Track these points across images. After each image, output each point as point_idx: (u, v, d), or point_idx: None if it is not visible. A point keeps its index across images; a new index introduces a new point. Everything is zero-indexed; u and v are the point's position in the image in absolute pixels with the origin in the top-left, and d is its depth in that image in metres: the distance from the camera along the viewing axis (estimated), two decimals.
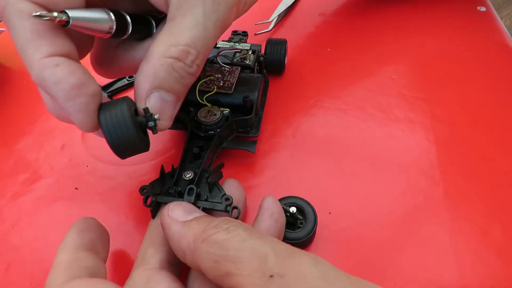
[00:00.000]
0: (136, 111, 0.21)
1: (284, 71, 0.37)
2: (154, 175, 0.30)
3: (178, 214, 0.20)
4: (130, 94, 0.37)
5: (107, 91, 0.36)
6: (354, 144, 0.31)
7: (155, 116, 0.20)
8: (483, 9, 0.43)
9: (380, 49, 0.39)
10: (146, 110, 0.20)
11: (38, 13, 0.16)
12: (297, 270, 0.16)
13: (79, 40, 0.21)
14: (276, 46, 0.35)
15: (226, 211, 0.24)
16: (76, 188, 0.30)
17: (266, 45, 0.36)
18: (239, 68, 0.33)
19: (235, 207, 0.24)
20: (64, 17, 0.17)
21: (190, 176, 0.25)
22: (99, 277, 0.19)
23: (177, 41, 0.19)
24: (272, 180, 0.29)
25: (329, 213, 0.27)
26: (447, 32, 0.41)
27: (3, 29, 0.39)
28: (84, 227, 0.21)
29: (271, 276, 0.15)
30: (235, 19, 0.23)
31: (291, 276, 0.16)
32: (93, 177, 0.30)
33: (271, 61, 0.36)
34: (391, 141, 0.31)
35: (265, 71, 0.36)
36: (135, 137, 0.19)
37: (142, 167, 0.31)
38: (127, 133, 0.19)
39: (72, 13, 0.18)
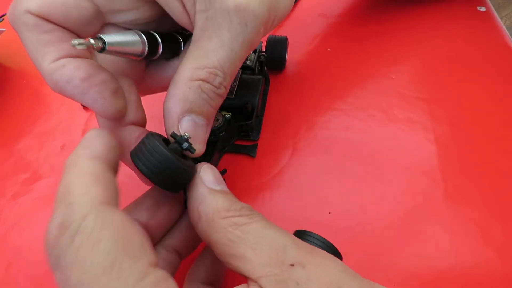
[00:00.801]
0: (165, 141, 0.20)
1: (284, 68, 0.37)
2: None
3: (208, 177, 0.19)
4: None
5: None
6: (354, 144, 0.31)
7: (186, 136, 0.19)
8: (483, 9, 0.43)
9: (380, 49, 0.39)
10: (174, 135, 0.19)
11: (77, 42, 0.16)
12: (319, 261, 0.16)
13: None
14: (277, 43, 0.35)
15: None
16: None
17: (267, 42, 0.36)
18: (240, 71, 0.33)
19: None
20: (100, 44, 0.17)
21: None
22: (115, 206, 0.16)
23: (204, 64, 0.19)
24: (272, 181, 0.29)
25: (329, 213, 0.27)
26: (447, 32, 0.40)
27: (3, 29, 0.39)
28: (113, 142, 0.18)
29: (291, 265, 0.16)
30: (262, 37, 0.22)
31: (313, 266, 0.16)
32: None
33: (272, 58, 0.36)
34: (391, 141, 0.31)
35: (266, 68, 0.36)
36: (178, 165, 0.18)
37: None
38: (168, 166, 0.18)
39: (108, 39, 0.18)
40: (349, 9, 0.45)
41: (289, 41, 0.37)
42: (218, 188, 0.19)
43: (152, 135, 0.18)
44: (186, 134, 0.19)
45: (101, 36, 0.17)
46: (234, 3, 0.19)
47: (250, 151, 0.30)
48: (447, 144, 0.31)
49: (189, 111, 0.19)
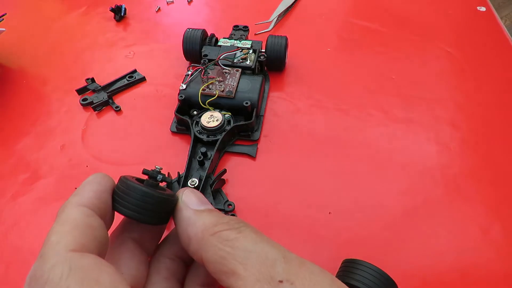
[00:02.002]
0: (138, 180, 0.20)
1: (284, 68, 0.37)
2: None
3: (192, 201, 0.19)
4: (127, 94, 0.37)
5: (107, 91, 0.36)
6: (354, 144, 0.31)
7: (157, 168, 0.20)
8: (483, 9, 0.43)
9: (380, 49, 0.39)
10: (145, 171, 0.19)
11: None
12: (307, 278, 0.16)
13: None
14: (277, 43, 0.35)
15: None
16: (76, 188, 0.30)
17: (267, 41, 0.36)
18: (240, 71, 0.33)
19: (233, 215, 0.25)
20: None
21: (195, 183, 0.26)
22: (104, 253, 0.18)
23: None
24: (272, 181, 0.29)
25: (329, 213, 0.27)
26: (447, 32, 0.41)
27: (3, 29, 0.39)
28: (103, 187, 0.18)
29: (280, 281, 0.15)
30: None
31: (301, 282, 0.16)
32: None
33: (271, 58, 0.36)
34: (391, 141, 0.31)
35: (266, 68, 0.36)
36: (157, 196, 0.18)
37: (142, 167, 0.31)
38: (148, 200, 0.18)
39: None
40: (348, 9, 0.45)
41: (289, 41, 0.37)
42: (202, 208, 0.19)
43: (124, 178, 0.19)
44: (157, 166, 0.20)
45: None
46: None
47: (250, 152, 0.30)
48: (447, 144, 0.31)
49: None
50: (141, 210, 0.18)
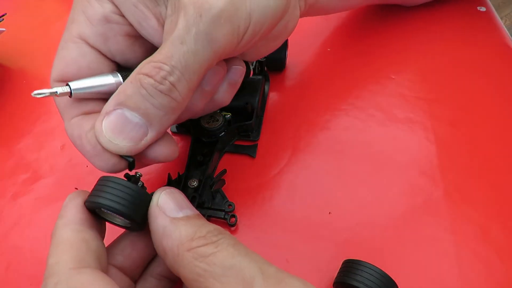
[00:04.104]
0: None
1: (284, 68, 0.37)
2: (153, 176, 0.30)
3: (169, 207, 0.18)
4: None
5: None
6: (354, 144, 0.31)
7: (138, 174, 0.20)
8: (483, 9, 0.43)
9: (380, 49, 0.39)
10: (127, 175, 0.20)
11: (36, 93, 0.19)
12: None
13: None
14: None
15: (224, 219, 0.26)
16: (76, 188, 0.30)
17: None
18: None
19: (233, 216, 0.26)
20: (66, 90, 0.19)
21: (195, 184, 0.26)
22: (103, 261, 0.18)
23: (151, 58, 0.18)
24: (272, 181, 0.29)
25: (329, 213, 0.27)
26: (447, 32, 0.40)
27: (3, 29, 0.39)
28: (82, 201, 0.19)
29: None
30: (233, 39, 0.19)
31: None
32: (93, 177, 0.30)
33: (272, 58, 0.36)
34: (391, 141, 0.31)
35: (266, 68, 0.36)
36: (138, 189, 0.18)
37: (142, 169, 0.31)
38: (131, 193, 0.18)
39: (74, 85, 0.19)
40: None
41: (289, 41, 0.37)
42: (180, 215, 0.18)
43: (104, 177, 0.19)
44: (138, 173, 0.20)
45: (68, 83, 0.19)
46: None
47: (250, 151, 0.30)
48: (447, 144, 0.31)
49: (122, 104, 0.18)
50: (115, 197, 0.18)
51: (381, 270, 0.21)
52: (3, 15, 0.40)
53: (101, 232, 0.20)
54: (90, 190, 0.27)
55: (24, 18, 0.47)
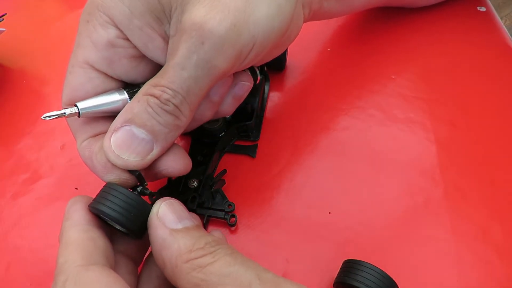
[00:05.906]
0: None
1: (284, 68, 0.37)
2: None
3: (168, 218, 0.19)
4: None
5: None
6: (354, 144, 0.31)
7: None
8: (483, 9, 0.43)
9: (380, 49, 0.39)
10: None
11: (46, 115, 0.20)
12: None
13: None
14: None
15: (224, 219, 0.26)
16: (76, 188, 0.30)
17: None
18: None
19: (233, 216, 0.26)
20: (74, 111, 0.20)
21: (195, 184, 0.26)
22: (110, 258, 0.19)
23: (157, 82, 0.19)
24: (272, 181, 0.29)
25: (329, 213, 0.27)
26: (447, 32, 0.40)
27: (3, 29, 0.39)
28: (85, 203, 0.20)
29: None
30: (235, 63, 0.20)
31: None
32: (93, 177, 0.30)
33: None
34: (391, 141, 0.31)
35: (266, 68, 0.36)
36: (139, 199, 0.19)
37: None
38: (131, 202, 0.19)
39: (81, 105, 0.20)
40: None
41: None
42: (179, 226, 0.19)
43: (108, 185, 0.20)
44: (145, 182, 0.21)
45: (76, 103, 0.20)
46: (191, 21, 0.18)
47: (250, 152, 0.30)
48: (447, 144, 0.30)
49: (130, 121, 0.19)
50: (115, 206, 0.18)
51: (381, 270, 0.21)
52: (3, 15, 0.40)
53: (107, 231, 0.20)
54: (89, 190, 0.27)
55: (24, 18, 0.47)
